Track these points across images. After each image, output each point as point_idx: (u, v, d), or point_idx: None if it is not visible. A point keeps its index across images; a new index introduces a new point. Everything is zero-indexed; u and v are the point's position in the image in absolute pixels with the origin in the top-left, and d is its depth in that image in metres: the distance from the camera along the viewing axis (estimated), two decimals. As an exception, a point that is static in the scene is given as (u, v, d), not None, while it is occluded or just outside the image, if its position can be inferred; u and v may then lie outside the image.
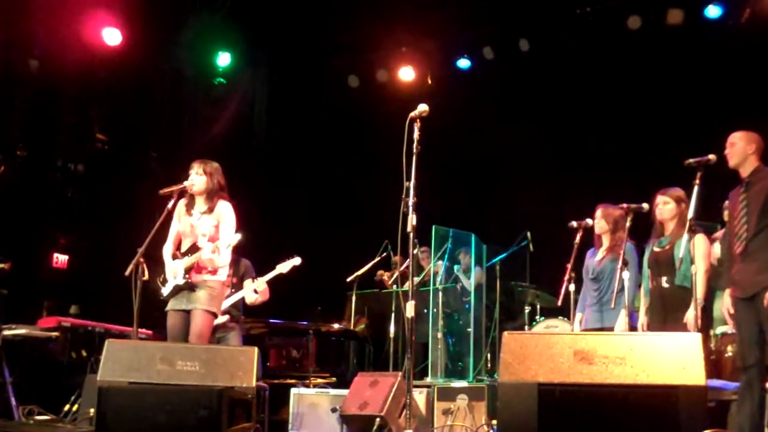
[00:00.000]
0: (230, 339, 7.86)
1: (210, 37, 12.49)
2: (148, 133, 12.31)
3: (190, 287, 6.54)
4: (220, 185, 6.75)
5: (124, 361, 5.54)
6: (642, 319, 6.91)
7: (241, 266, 8.12)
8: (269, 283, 8.08)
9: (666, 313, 6.66)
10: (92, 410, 6.48)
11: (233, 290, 7.93)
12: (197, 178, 6.68)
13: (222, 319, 7.67)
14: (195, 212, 6.73)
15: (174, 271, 6.62)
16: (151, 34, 11.66)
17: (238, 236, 6.62)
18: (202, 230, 6.64)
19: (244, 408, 5.51)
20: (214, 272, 6.62)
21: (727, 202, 6.32)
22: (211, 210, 6.69)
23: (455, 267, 10.30)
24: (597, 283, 7.26)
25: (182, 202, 6.79)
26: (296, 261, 8.03)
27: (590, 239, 7.48)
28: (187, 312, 6.57)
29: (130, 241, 6.75)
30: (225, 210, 6.70)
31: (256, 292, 8.03)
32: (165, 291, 6.65)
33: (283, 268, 8.02)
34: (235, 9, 12.21)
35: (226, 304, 7.80)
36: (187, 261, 6.56)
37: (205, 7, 12.26)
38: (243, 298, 8.07)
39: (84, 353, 8.57)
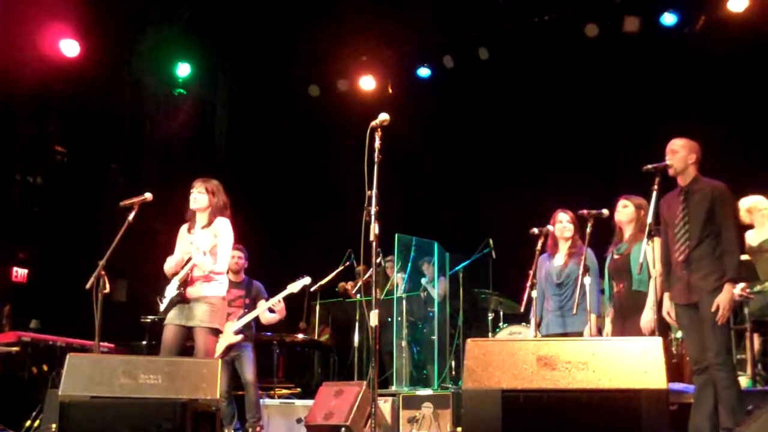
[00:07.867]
0: (243, 357, 8.03)
1: (169, 48, 12.43)
2: (108, 144, 12.19)
3: (188, 302, 6.51)
4: (224, 203, 6.76)
5: (86, 375, 5.48)
6: (608, 327, 6.93)
7: (253, 288, 8.31)
8: None
9: (624, 318, 6.72)
10: (54, 425, 6.40)
11: (246, 311, 8.12)
12: (200, 197, 6.68)
13: (237, 338, 7.93)
14: (196, 229, 6.73)
15: (170, 286, 6.61)
16: (110, 45, 11.57)
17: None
18: (198, 244, 6.56)
19: (208, 420, 5.47)
20: (208, 280, 6.55)
21: (663, 207, 6.25)
22: (209, 224, 6.67)
23: (422, 279, 10.31)
24: (561, 289, 7.22)
25: (185, 226, 6.80)
26: (306, 280, 8.27)
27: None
28: (187, 328, 6.52)
29: (91, 254, 6.67)
30: (222, 226, 6.66)
31: (272, 311, 8.24)
32: (162, 306, 6.62)
33: (294, 287, 8.25)
34: (194, 19, 12.15)
35: (240, 324, 8.01)
36: (181, 273, 6.54)
37: (164, 18, 12.18)
38: (256, 319, 8.22)
39: (45, 368, 8.45)
